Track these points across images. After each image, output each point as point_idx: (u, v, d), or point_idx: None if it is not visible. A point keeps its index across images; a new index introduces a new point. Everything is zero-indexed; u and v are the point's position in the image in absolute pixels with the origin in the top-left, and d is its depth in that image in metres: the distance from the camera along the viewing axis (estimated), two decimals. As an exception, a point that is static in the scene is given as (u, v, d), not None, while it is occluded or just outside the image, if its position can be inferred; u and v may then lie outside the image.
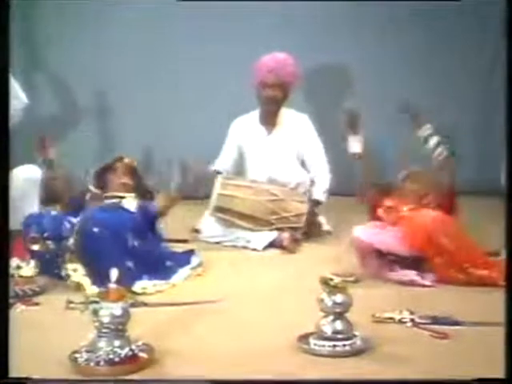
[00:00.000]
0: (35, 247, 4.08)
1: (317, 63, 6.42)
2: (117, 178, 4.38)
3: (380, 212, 4.36)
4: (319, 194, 5.32)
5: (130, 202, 4.30)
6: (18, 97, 5.02)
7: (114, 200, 4.29)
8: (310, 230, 5.21)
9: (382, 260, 4.19)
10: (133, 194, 4.34)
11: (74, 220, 4.10)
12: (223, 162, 5.42)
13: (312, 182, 5.34)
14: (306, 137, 5.37)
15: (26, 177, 4.88)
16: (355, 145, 4.56)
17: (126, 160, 4.46)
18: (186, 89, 6.42)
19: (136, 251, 4.09)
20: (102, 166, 4.44)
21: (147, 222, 4.26)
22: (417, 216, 4.17)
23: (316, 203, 5.30)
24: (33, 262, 4.09)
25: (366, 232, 4.24)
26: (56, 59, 6.46)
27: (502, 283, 3.87)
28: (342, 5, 6.32)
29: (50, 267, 4.07)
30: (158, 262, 4.23)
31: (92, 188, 4.36)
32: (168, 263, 4.28)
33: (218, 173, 5.26)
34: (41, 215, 4.21)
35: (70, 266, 4.00)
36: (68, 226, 4.07)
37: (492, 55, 6.46)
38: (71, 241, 4.03)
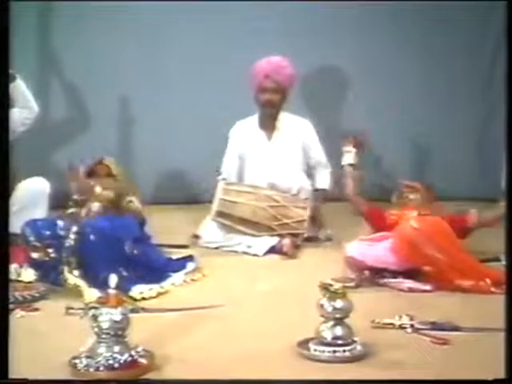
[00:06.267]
0: (36, 255, 4.10)
1: (316, 66, 6.43)
2: (99, 180, 4.39)
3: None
4: (323, 183, 5.38)
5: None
6: (30, 106, 5.02)
7: (104, 205, 4.30)
8: (314, 224, 5.22)
9: (378, 273, 4.18)
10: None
11: (63, 224, 4.13)
12: (229, 169, 5.40)
13: (314, 177, 5.40)
14: (307, 141, 5.39)
15: (34, 188, 4.91)
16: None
17: (105, 162, 4.45)
18: (187, 91, 6.41)
19: (131, 257, 4.10)
20: (85, 170, 4.44)
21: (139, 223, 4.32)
22: (401, 227, 4.18)
23: (321, 192, 5.34)
24: (32, 269, 4.12)
25: (358, 249, 4.24)
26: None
27: (495, 290, 3.91)
28: (340, 7, 6.31)
29: (50, 273, 4.09)
30: (152, 266, 4.24)
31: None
32: (162, 268, 4.29)
33: (224, 179, 5.27)
34: (36, 222, 4.23)
35: (67, 269, 4.01)
36: (62, 229, 4.10)
37: (492, 58, 6.46)
38: (67, 245, 4.04)
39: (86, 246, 4.02)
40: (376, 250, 4.20)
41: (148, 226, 4.45)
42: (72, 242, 4.04)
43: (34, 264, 4.14)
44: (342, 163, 4.95)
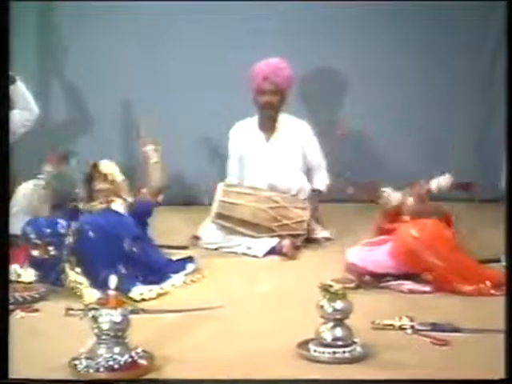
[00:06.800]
0: (37, 253, 4.10)
1: (316, 67, 6.42)
2: (95, 185, 4.41)
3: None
4: (319, 183, 5.38)
5: (118, 205, 4.34)
6: (30, 108, 5.02)
7: (102, 206, 4.31)
8: (313, 224, 5.21)
9: (379, 278, 4.18)
10: (119, 198, 4.38)
11: (65, 223, 4.14)
12: (233, 173, 5.46)
13: (312, 178, 5.39)
14: (306, 142, 5.40)
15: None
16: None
17: (100, 166, 4.46)
18: (187, 91, 6.41)
19: (130, 256, 4.10)
20: (85, 177, 4.47)
21: (140, 221, 4.32)
22: (401, 233, 4.17)
23: (317, 193, 5.31)
24: (32, 269, 4.12)
25: (359, 255, 4.24)
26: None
27: (495, 293, 3.90)
28: (340, 7, 6.30)
29: (50, 274, 4.09)
30: (152, 267, 4.23)
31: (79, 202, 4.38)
32: (162, 269, 4.29)
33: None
34: (37, 221, 4.24)
35: (67, 267, 4.02)
36: (62, 228, 4.11)
37: (492, 58, 6.45)
38: (67, 242, 4.05)
39: (85, 243, 4.03)
40: (376, 255, 4.19)
41: (149, 228, 4.46)
42: (71, 240, 4.04)
43: (34, 263, 4.15)
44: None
